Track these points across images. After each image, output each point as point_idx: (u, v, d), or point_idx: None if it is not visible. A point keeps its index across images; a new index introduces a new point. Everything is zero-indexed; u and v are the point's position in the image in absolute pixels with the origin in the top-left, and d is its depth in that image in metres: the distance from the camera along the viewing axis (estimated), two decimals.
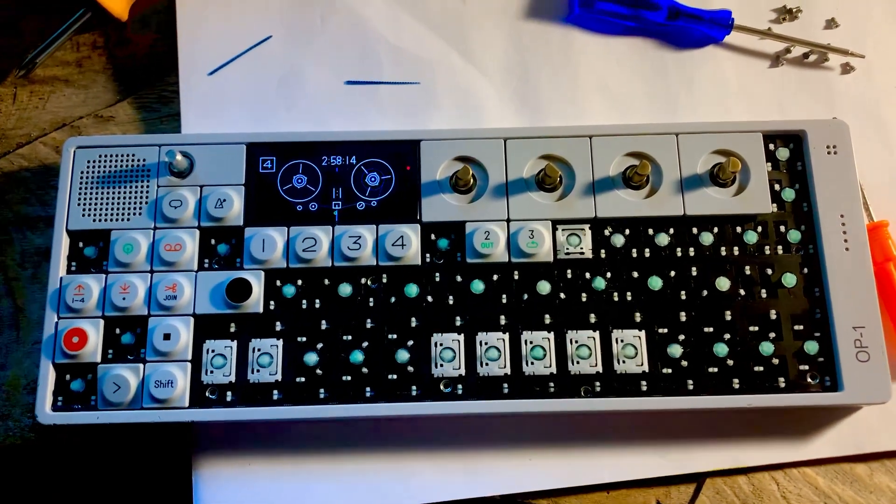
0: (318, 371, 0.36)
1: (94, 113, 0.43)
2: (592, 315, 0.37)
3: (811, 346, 0.36)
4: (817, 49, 0.43)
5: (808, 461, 0.37)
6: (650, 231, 0.38)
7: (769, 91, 0.43)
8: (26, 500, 0.38)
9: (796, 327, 0.37)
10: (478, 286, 0.37)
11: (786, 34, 0.43)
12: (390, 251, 0.37)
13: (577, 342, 0.36)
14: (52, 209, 0.41)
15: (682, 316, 0.37)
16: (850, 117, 0.40)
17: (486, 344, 0.36)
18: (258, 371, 0.36)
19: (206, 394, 0.36)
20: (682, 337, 0.36)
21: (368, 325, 0.37)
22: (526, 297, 0.37)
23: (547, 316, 0.37)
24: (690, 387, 0.36)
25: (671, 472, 0.37)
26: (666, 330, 0.37)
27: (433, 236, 0.38)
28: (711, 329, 0.37)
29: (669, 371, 0.36)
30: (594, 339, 0.36)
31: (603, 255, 0.38)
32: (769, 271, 0.37)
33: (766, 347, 0.36)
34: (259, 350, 0.36)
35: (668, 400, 0.36)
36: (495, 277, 0.37)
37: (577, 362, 0.36)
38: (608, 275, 0.37)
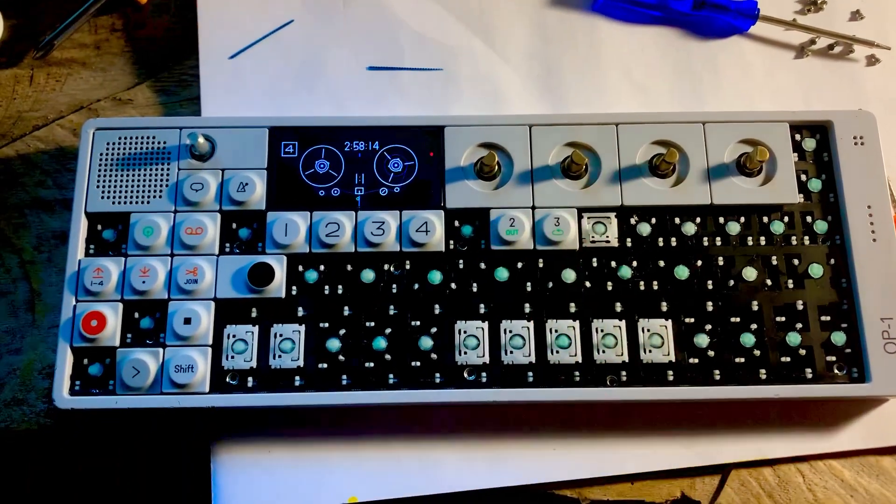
0: (341, 357, 0.36)
1: (112, 96, 0.43)
2: (618, 304, 0.36)
3: (838, 337, 0.36)
4: (842, 40, 0.43)
5: (834, 453, 0.37)
6: (677, 220, 0.37)
7: (794, 82, 0.43)
8: (42, 487, 0.37)
9: (823, 318, 0.36)
10: (502, 273, 0.37)
11: (811, 25, 0.43)
12: (414, 237, 0.37)
13: (602, 331, 0.36)
14: (69, 192, 0.40)
15: (709, 306, 0.36)
16: (875, 109, 0.40)
17: (510, 332, 0.36)
18: (280, 357, 0.36)
19: (227, 379, 0.36)
20: (708, 327, 0.36)
21: (391, 312, 0.36)
22: (551, 285, 0.37)
23: (572, 304, 0.36)
24: (717, 377, 0.35)
25: (696, 463, 0.37)
26: (692, 319, 0.36)
27: (457, 223, 0.37)
28: (738, 319, 0.36)
29: (696, 361, 0.36)
30: (620, 328, 0.36)
31: (629, 244, 0.37)
32: (796, 262, 0.37)
33: (793, 338, 0.36)
34: (281, 335, 0.36)
35: (695, 390, 0.35)
36: (520, 265, 0.37)
37: (603, 351, 0.36)
38: (634, 263, 0.37)
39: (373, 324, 0.36)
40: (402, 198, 0.38)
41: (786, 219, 0.38)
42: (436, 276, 0.37)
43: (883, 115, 0.40)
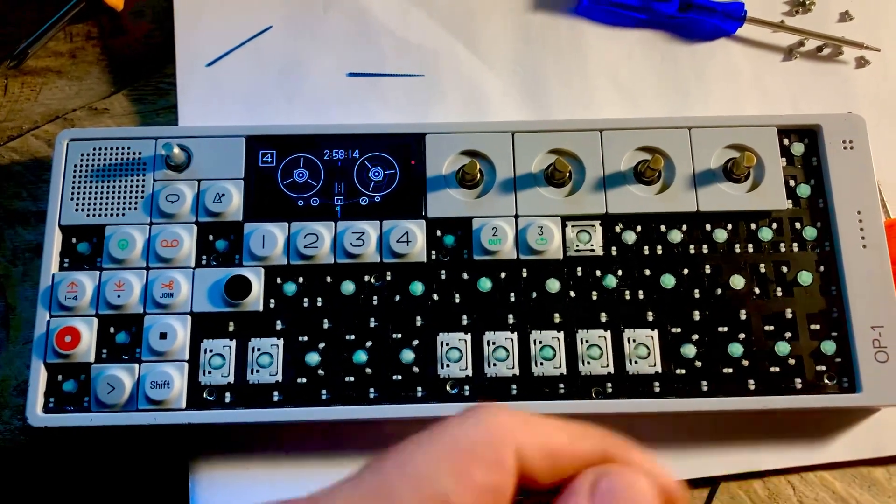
0: (320, 371, 0.35)
1: (87, 105, 0.42)
2: (603, 314, 0.36)
3: (828, 346, 0.35)
4: (831, 42, 0.42)
5: (825, 465, 0.36)
6: (662, 227, 0.37)
7: (782, 85, 0.42)
8: None
9: (813, 327, 0.36)
10: (485, 284, 0.36)
11: (799, 27, 0.42)
12: (394, 248, 0.36)
13: (587, 342, 0.35)
14: (44, 204, 0.39)
15: (696, 315, 0.36)
16: (865, 112, 0.39)
17: (493, 344, 0.35)
18: (258, 371, 0.35)
19: (204, 395, 0.35)
20: (695, 336, 0.35)
21: (372, 325, 0.36)
22: (535, 295, 0.36)
23: (556, 315, 0.36)
24: (704, 388, 0.35)
25: (684, 475, 0.36)
26: (679, 329, 0.35)
27: (439, 232, 0.37)
28: (726, 328, 0.35)
29: (683, 372, 0.35)
30: (605, 338, 0.35)
31: (614, 252, 0.36)
32: (784, 269, 0.36)
33: (782, 347, 0.35)
34: (259, 350, 0.35)
35: (682, 402, 0.35)
36: (503, 275, 0.36)
37: (588, 363, 0.35)
38: (619, 272, 0.36)
39: (353, 337, 0.36)
40: (383, 207, 0.37)
41: (774, 225, 0.37)
42: (417, 288, 0.36)
43: (873, 119, 0.39)
